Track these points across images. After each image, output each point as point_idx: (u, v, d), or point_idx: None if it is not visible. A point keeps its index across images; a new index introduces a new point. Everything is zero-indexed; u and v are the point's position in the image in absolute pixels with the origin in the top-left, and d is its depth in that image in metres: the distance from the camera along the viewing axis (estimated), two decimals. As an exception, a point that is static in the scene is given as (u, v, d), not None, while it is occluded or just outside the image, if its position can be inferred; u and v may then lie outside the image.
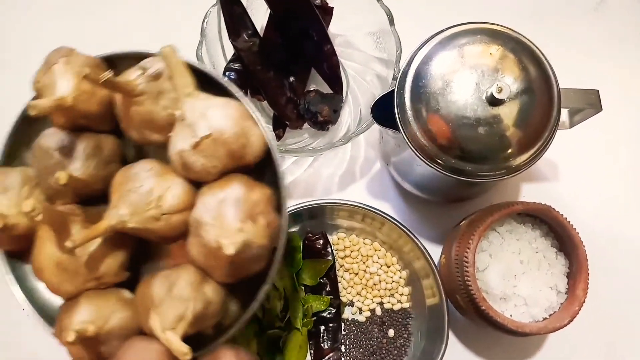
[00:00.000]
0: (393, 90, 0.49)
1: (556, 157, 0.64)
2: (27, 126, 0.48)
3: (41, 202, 0.42)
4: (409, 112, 0.48)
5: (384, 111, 0.50)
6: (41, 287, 0.48)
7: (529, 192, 0.63)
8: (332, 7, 0.61)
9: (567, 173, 0.64)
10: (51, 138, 0.45)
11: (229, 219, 0.40)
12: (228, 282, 0.43)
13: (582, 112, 0.53)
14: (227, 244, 0.38)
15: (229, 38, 0.57)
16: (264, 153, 0.44)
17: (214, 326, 0.44)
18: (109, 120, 0.46)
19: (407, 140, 0.48)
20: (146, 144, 0.46)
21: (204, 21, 0.56)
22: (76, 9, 0.72)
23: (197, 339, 0.42)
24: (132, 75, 0.43)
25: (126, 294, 0.45)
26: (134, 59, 0.45)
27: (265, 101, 0.62)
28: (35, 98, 0.44)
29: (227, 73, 0.59)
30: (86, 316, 0.41)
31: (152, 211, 0.41)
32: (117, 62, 0.46)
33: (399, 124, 0.49)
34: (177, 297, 0.40)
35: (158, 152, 0.46)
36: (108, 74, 0.39)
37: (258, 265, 0.43)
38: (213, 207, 0.41)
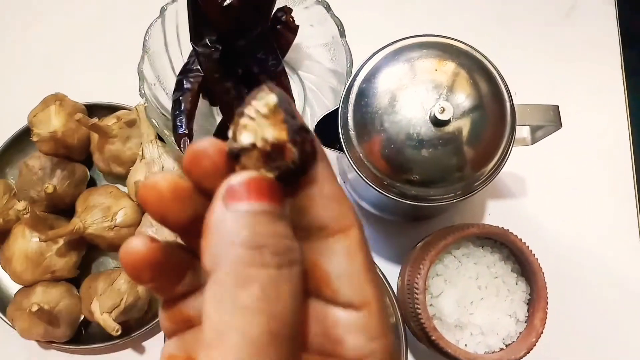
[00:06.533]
0: (338, 108, 0.47)
1: (522, 173, 0.60)
2: (9, 150, 0.63)
3: (28, 205, 0.52)
4: (352, 133, 0.45)
5: (329, 130, 0.47)
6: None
7: (495, 210, 0.60)
8: (298, 26, 0.56)
9: (532, 190, 0.60)
10: (37, 160, 0.57)
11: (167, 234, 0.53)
12: None
13: (543, 129, 0.50)
14: None
15: (191, 40, 0.53)
16: None
17: (137, 320, 0.56)
18: (82, 152, 0.61)
19: (351, 163, 0.46)
20: (109, 174, 0.61)
21: (146, 34, 0.53)
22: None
23: (124, 328, 0.54)
24: (110, 122, 0.58)
25: (72, 288, 0.57)
26: (108, 108, 0.61)
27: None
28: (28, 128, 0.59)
29: (184, 81, 0.56)
30: (41, 298, 0.54)
31: (107, 222, 0.55)
32: (95, 109, 0.61)
33: (343, 145, 0.46)
34: (115, 290, 0.53)
35: (111, 182, 0.63)
36: (94, 120, 0.54)
37: None
38: (156, 225, 0.54)
